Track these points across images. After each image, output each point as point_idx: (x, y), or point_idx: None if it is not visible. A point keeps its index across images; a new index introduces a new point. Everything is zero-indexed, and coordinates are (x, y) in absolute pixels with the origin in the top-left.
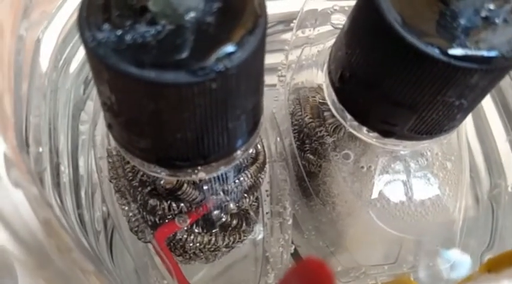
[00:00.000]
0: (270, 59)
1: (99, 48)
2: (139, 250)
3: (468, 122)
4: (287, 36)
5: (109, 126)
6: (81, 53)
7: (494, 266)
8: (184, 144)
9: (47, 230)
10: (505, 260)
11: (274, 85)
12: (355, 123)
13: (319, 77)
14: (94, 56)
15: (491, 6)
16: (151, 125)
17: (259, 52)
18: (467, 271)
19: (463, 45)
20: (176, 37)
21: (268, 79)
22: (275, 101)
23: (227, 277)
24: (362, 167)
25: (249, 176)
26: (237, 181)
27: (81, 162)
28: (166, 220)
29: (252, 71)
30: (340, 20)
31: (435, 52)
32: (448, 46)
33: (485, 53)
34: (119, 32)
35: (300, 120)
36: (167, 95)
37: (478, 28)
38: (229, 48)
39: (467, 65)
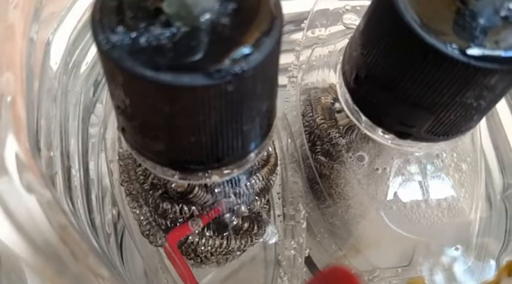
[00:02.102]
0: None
1: (114, 51)
2: (150, 253)
3: (481, 122)
4: (297, 36)
5: (122, 130)
6: (91, 54)
7: None
8: (199, 148)
9: (62, 236)
10: None
11: (285, 86)
12: (370, 124)
13: (331, 77)
14: (108, 59)
15: (511, 6)
16: (166, 129)
17: (274, 54)
18: (484, 274)
19: (482, 46)
20: (191, 39)
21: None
22: (286, 102)
23: (236, 280)
24: (377, 169)
25: (261, 179)
26: (248, 183)
27: (91, 165)
28: (178, 224)
29: (268, 72)
30: (352, 19)
31: (454, 52)
32: (467, 46)
33: (505, 53)
34: (134, 35)
35: (311, 121)
36: (183, 98)
37: (497, 28)
38: (245, 50)
39: (487, 65)
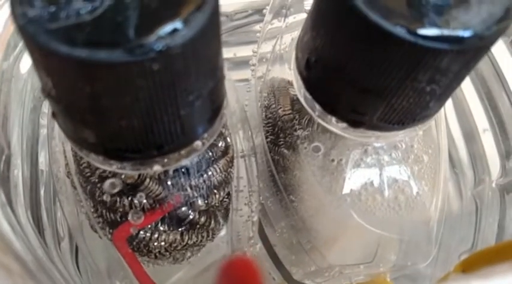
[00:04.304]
0: (244, 52)
1: (30, 26)
2: (103, 249)
3: (452, 116)
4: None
5: (53, 115)
6: None
7: (468, 266)
8: (132, 133)
9: None
10: (479, 260)
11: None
12: (323, 113)
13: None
14: (24, 34)
15: None
16: (91, 111)
17: (209, 31)
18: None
19: (432, 24)
20: (115, 14)
21: (243, 73)
22: (248, 93)
23: (205, 278)
24: (332, 160)
25: (218, 171)
26: (205, 175)
27: (41, 157)
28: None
29: (202, 51)
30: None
31: (401, 32)
32: (415, 25)
33: (456, 33)
34: (52, 9)
35: (274, 113)
36: (102, 76)
37: (449, 6)
38: (174, 25)
39: (436, 45)
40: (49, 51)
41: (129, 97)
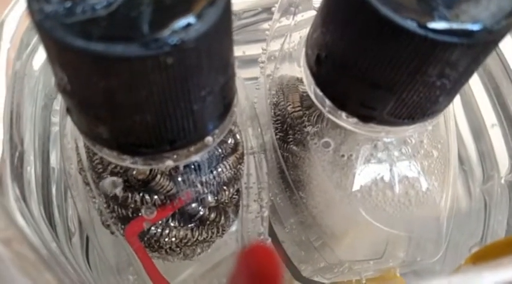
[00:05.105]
0: (253, 50)
1: (47, 21)
2: (113, 246)
3: (460, 113)
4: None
5: (67, 110)
6: None
7: (479, 258)
8: (145, 128)
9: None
10: (490, 252)
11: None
12: (334, 108)
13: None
14: (41, 29)
15: None
16: (106, 106)
17: (222, 26)
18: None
19: (442, 18)
20: (130, 9)
21: (252, 71)
22: (257, 90)
23: (215, 275)
24: (342, 156)
25: (228, 167)
26: (215, 172)
27: (53, 154)
28: (140, 214)
29: (215, 46)
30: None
31: (412, 25)
32: (425, 19)
33: (466, 26)
34: (68, 4)
35: (283, 110)
36: (117, 70)
37: (459, 0)
38: (187, 20)
39: (446, 38)
40: (65, 45)
41: (143, 92)
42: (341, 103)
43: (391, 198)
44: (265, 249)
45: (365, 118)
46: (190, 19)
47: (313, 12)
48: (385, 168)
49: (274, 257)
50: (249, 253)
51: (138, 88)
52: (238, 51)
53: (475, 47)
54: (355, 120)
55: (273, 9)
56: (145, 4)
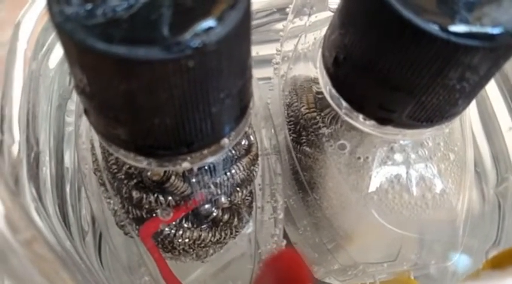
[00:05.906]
0: (266, 50)
1: (67, 23)
2: (126, 246)
3: (474, 115)
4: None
5: (85, 112)
6: None
7: (498, 263)
8: (164, 131)
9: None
10: (509, 257)
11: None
12: (351, 110)
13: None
14: (61, 32)
15: None
16: (126, 108)
17: (242, 29)
18: (470, 269)
19: (464, 21)
20: (151, 11)
21: (265, 72)
22: (270, 91)
23: (224, 275)
24: (358, 158)
25: (241, 169)
26: (228, 173)
27: (67, 154)
28: (154, 214)
29: (235, 49)
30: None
31: (433, 29)
32: (447, 22)
33: (488, 30)
34: (89, 6)
35: (297, 111)
36: (139, 73)
37: (481, 3)
38: (208, 23)
39: (468, 42)
40: (86, 47)
41: (163, 95)
42: (359, 105)
43: (408, 201)
44: (294, 255)
45: (383, 121)
46: (211, 22)
47: (328, 13)
48: (402, 170)
49: (303, 263)
50: (278, 258)
51: (158, 91)
52: (252, 51)
53: (496, 51)
54: (372, 122)
55: (287, 9)
56: (165, 6)
